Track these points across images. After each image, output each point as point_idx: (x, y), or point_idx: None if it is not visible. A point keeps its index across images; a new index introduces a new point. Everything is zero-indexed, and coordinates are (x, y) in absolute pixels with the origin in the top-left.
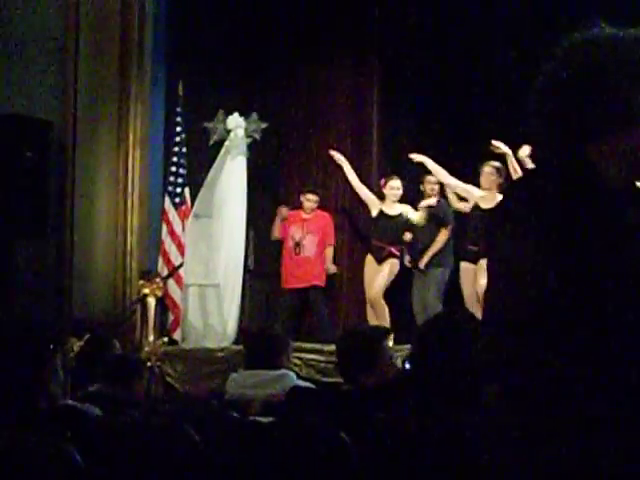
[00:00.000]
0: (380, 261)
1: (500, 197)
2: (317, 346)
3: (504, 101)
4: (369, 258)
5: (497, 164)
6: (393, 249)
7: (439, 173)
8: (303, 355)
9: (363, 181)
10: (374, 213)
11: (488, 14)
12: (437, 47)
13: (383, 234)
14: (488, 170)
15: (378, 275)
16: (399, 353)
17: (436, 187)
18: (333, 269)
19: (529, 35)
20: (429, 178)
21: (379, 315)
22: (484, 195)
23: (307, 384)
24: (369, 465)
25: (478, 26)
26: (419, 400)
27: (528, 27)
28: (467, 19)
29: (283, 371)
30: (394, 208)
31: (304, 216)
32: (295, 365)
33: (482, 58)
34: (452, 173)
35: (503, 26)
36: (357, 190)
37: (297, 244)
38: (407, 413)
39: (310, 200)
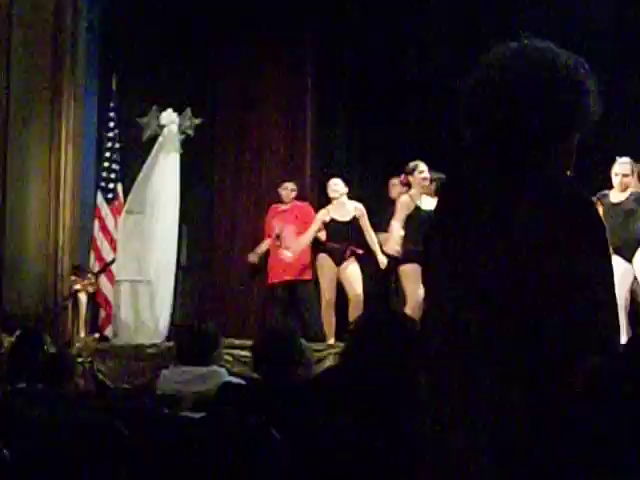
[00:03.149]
0: (340, 262)
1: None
2: (248, 342)
3: (437, 103)
4: (326, 261)
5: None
6: (351, 250)
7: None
8: (235, 352)
9: (297, 179)
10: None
11: (424, 17)
12: (373, 46)
13: (339, 234)
14: (394, 182)
15: (352, 275)
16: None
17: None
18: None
19: (465, 42)
20: (392, 181)
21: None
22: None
23: (238, 380)
24: (298, 461)
25: (414, 29)
26: (349, 396)
27: (464, 34)
28: (403, 21)
29: (214, 367)
30: (343, 211)
31: (282, 208)
32: (227, 362)
33: (416, 59)
34: (387, 170)
35: (440, 31)
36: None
37: (277, 236)
38: (337, 409)
39: (286, 188)
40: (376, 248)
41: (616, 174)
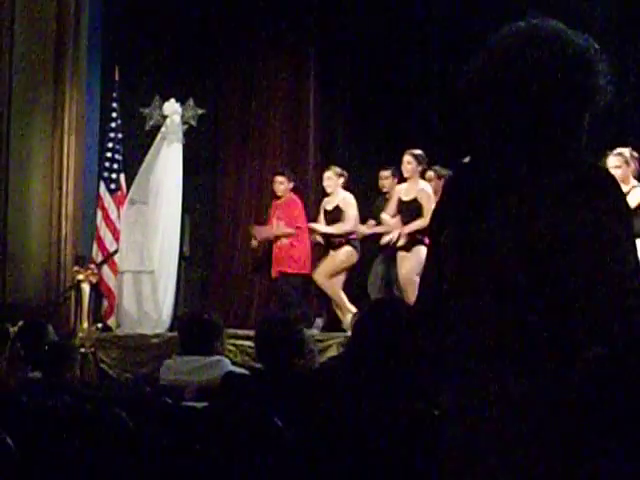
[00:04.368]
0: (334, 249)
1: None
2: (252, 333)
3: (439, 91)
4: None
5: (417, 152)
6: (342, 238)
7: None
8: (238, 342)
9: (299, 170)
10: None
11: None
12: (374, 38)
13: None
14: (407, 159)
15: (329, 259)
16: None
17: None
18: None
19: (466, 33)
20: (383, 173)
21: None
22: (404, 187)
23: (241, 370)
24: (302, 450)
25: (415, 19)
26: (353, 385)
27: (465, 26)
28: (404, 11)
29: (217, 357)
30: (331, 201)
31: (277, 202)
32: (230, 352)
33: (418, 47)
34: (390, 161)
35: (441, 19)
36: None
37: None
38: (341, 398)
39: (276, 182)
40: (326, 230)
41: (609, 167)
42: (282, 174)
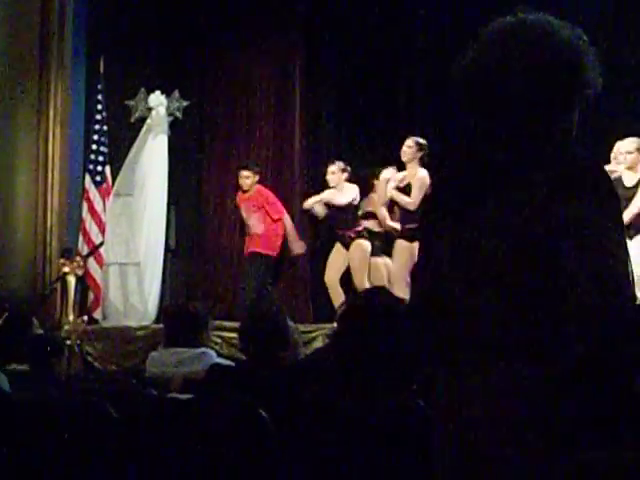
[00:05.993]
0: (347, 247)
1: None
2: (237, 324)
3: (426, 78)
4: (337, 245)
5: (420, 139)
6: (351, 233)
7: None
8: (224, 334)
9: (285, 161)
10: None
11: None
12: (362, 27)
13: (339, 222)
14: (407, 143)
15: (352, 265)
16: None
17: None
18: (299, 248)
19: (455, 18)
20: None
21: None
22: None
23: (227, 362)
24: (287, 442)
25: (402, 5)
26: (339, 377)
27: (455, 15)
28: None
29: (203, 349)
30: (341, 195)
31: (246, 195)
32: (216, 344)
33: (406, 36)
34: (375, 151)
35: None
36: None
37: (247, 225)
38: (327, 390)
39: (242, 177)
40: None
41: (621, 152)
42: (247, 168)
